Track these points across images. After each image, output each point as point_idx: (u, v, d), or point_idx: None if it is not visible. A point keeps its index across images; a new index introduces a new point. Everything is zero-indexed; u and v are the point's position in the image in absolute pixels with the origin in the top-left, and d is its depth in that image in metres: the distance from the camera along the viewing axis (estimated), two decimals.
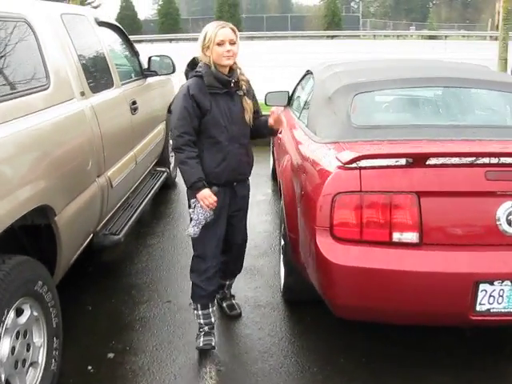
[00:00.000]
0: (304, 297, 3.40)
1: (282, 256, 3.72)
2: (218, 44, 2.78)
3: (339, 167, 2.59)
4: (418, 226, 2.53)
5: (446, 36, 43.75)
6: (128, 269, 4.14)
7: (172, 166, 6.25)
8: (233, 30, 2.84)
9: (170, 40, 41.74)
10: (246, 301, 3.65)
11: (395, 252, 2.53)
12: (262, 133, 3.13)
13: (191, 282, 3.12)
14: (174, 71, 5.35)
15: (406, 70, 3.71)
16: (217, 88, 2.84)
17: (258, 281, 3.94)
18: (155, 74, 5.22)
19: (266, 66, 19.60)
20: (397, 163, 2.57)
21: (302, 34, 43.85)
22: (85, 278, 3.92)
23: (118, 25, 4.74)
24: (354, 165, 2.56)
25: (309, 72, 4.64)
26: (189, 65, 2.97)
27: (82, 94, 3.37)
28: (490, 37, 42.64)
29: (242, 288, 3.78)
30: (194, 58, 2.96)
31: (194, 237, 2.94)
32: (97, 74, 3.86)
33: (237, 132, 2.91)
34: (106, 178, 3.56)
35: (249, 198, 3.19)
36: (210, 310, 3.09)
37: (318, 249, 2.58)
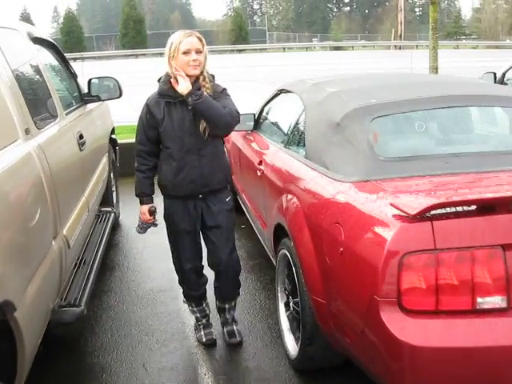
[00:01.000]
0: (327, 364, 2.80)
1: (285, 318, 3.08)
2: (184, 53, 2.70)
3: (403, 219, 1.99)
4: (504, 287, 1.98)
5: (353, 46, 44.97)
6: (90, 343, 3.32)
7: (115, 201, 5.44)
8: (199, 39, 2.77)
9: (75, 59, 39.82)
10: (249, 375, 2.97)
11: (481, 322, 1.97)
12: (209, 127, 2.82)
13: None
14: (120, 95, 4.58)
15: (417, 88, 3.21)
16: (169, 97, 2.78)
17: (253, 344, 3.26)
18: (97, 99, 4.43)
19: None
20: (474, 210, 2.01)
21: (210, 49, 43.21)
22: (37, 362, 3.06)
23: (52, 41, 3.92)
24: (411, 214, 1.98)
25: (284, 91, 4.04)
26: (159, 80, 2.92)
27: (27, 131, 2.58)
28: (395, 46, 44.43)
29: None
30: (166, 73, 2.86)
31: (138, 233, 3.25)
32: (39, 104, 3.06)
33: (194, 143, 2.81)
34: (62, 237, 2.78)
35: (231, 214, 3.08)
36: (204, 305, 3.23)
37: (383, 326, 1.97)
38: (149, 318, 3.61)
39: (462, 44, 44.41)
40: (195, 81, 2.77)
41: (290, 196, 2.92)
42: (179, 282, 3.25)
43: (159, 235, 5.22)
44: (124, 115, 10.30)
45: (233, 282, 3.15)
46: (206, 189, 2.89)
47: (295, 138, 3.40)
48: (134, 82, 20.00)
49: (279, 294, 3.20)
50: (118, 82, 4.52)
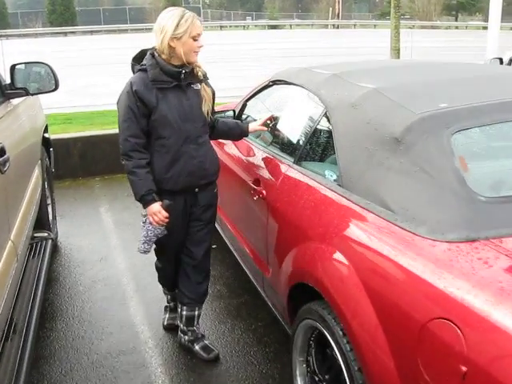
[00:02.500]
0: None
1: None
2: (194, 38, 2.48)
3: None
4: None
5: (290, 25, 44.21)
6: None
7: (51, 218, 4.31)
8: None
9: None
10: None
11: None
12: (230, 136, 3.02)
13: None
14: (56, 86, 3.45)
15: (494, 85, 2.31)
16: (164, 82, 2.51)
17: None
18: (25, 93, 3.29)
19: (110, 62, 17.37)
20: None
21: (145, 27, 41.38)
22: None
23: None
24: None
25: (280, 83, 3.07)
26: (135, 58, 2.62)
27: None
28: (333, 25, 43.93)
29: None
30: (141, 51, 2.62)
31: (144, 253, 2.74)
32: None
33: (192, 131, 2.58)
34: None
35: (216, 209, 2.87)
36: (176, 290, 2.98)
37: None
38: None
39: (401, 24, 44.30)
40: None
41: (327, 248, 1.97)
42: (156, 267, 3.04)
43: (110, 262, 4.19)
44: (55, 101, 9.03)
45: (205, 281, 2.90)
46: (203, 181, 2.67)
47: (313, 153, 2.45)
48: (71, 62, 18.42)
49: (299, 378, 2.27)
50: (52, 69, 3.39)
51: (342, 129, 2.20)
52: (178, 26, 2.42)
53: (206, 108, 2.62)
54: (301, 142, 2.54)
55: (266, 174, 2.71)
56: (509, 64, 5.39)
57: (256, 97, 3.39)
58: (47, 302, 3.49)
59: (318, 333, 2.11)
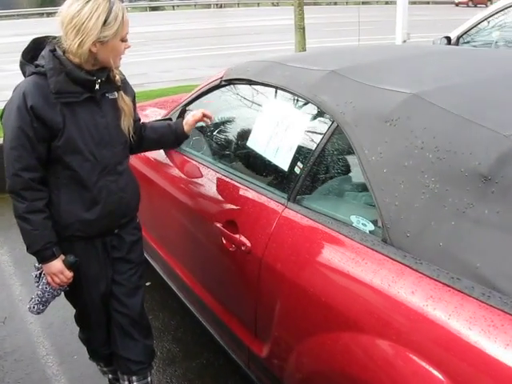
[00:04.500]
0: None
1: None
2: (123, 39, 1.85)
3: None
4: None
5: (173, 6, 42.96)
6: None
7: None
8: None
9: None
10: None
11: None
12: (162, 145, 2.42)
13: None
14: None
15: None
16: (71, 94, 1.82)
17: None
18: None
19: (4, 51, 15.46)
20: None
21: (17, 13, 38.12)
22: None
23: None
24: None
25: (240, 82, 2.31)
26: (25, 53, 1.88)
27: None
28: (216, 5, 43.04)
29: None
30: (33, 42, 1.87)
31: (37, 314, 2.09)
32: None
33: (110, 158, 1.94)
34: None
35: (142, 242, 2.19)
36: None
37: None
38: None
39: (282, 2, 44.34)
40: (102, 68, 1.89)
41: (392, 348, 1.28)
42: (82, 339, 2.32)
43: (18, 323, 3.15)
44: None
45: (150, 335, 2.25)
46: (124, 220, 2.08)
47: (322, 188, 1.75)
48: None
49: None
50: None
51: (375, 155, 1.51)
52: (105, 25, 1.75)
53: (126, 124, 1.99)
54: (297, 171, 1.82)
55: (244, 214, 1.96)
56: (456, 43, 5.00)
57: (201, 100, 2.61)
58: None
59: None
